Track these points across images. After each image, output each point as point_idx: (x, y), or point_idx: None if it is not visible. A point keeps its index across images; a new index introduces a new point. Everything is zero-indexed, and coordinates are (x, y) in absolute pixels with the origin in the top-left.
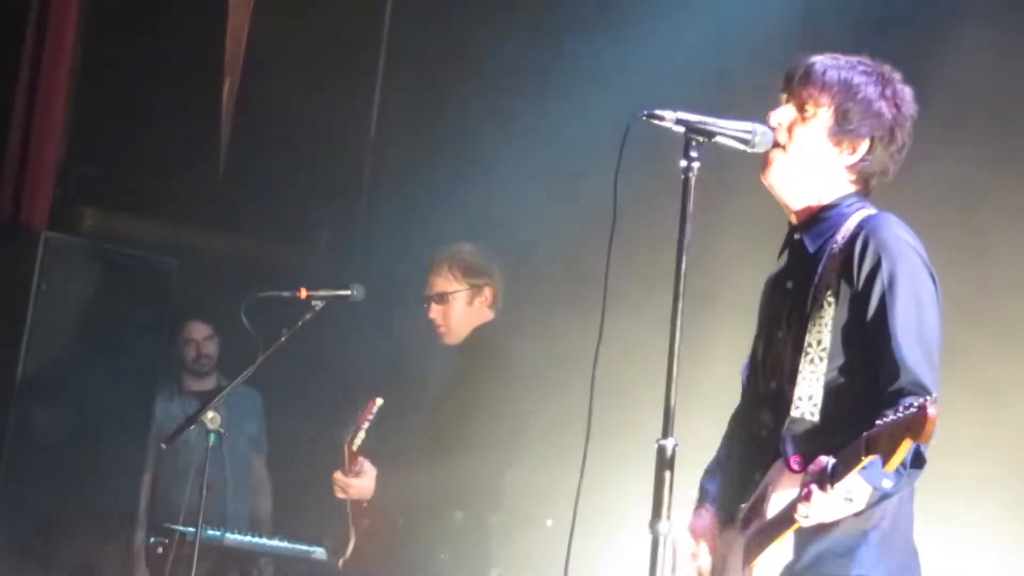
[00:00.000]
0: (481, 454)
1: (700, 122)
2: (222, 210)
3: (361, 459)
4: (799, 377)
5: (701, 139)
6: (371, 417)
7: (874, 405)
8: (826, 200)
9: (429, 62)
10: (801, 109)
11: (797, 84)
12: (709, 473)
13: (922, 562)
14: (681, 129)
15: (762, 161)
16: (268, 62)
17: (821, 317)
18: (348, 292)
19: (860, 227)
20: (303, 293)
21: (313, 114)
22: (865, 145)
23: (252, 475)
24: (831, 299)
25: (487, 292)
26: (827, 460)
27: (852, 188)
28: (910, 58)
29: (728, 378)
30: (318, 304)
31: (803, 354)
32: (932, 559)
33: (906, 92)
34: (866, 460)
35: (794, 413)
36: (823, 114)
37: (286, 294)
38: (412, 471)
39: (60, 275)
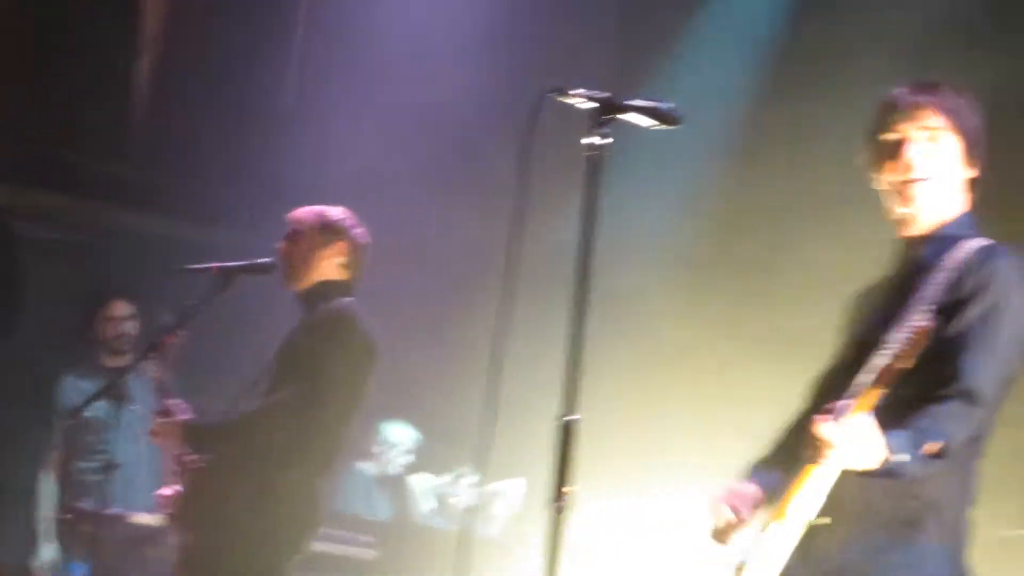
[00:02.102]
0: (314, 411)
1: (610, 98)
2: (139, 187)
3: (173, 400)
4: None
5: (609, 115)
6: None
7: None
8: (948, 217)
9: (347, 38)
10: (931, 138)
11: (918, 113)
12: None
13: None
14: (591, 105)
15: (903, 194)
16: (185, 40)
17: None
18: (259, 268)
19: (979, 253)
20: (215, 269)
21: (230, 91)
22: (980, 162)
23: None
24: (931, 309)
25: (340, 246)
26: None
27: (967, 203)
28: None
29: (639, 355)
30: (231, 279)
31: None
32: None
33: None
34: (866, 397)
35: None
36: (951, 138)
37: (199, 268)
38: (232, 423)
39: None
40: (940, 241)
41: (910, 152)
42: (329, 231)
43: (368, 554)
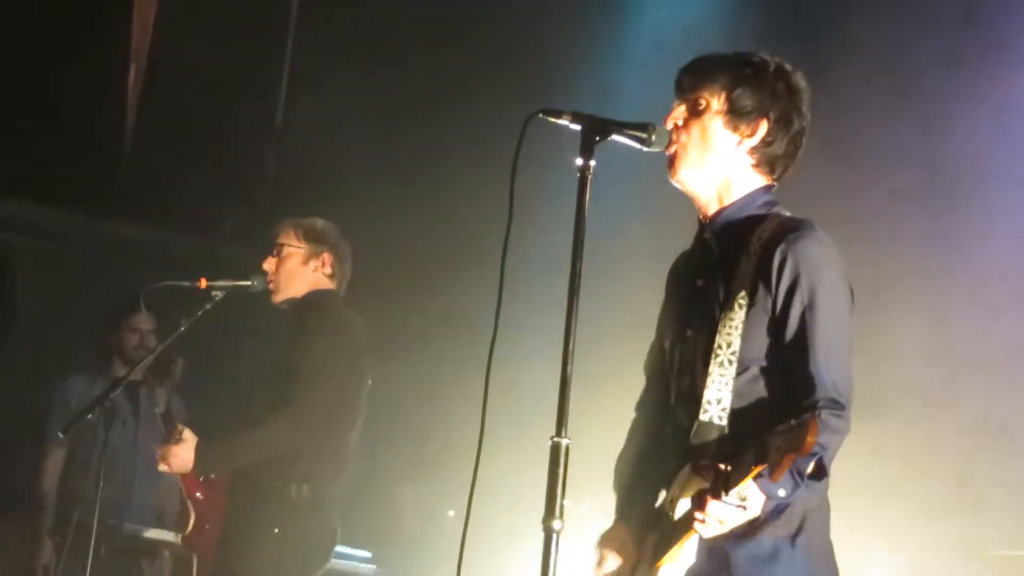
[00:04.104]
0: (320, 421)
1: (597, 120)
2: (127, 197)
3: (180, 426)
4: (708, 380)
5: (598, 137)
6: (177, 377)
7: (785, 415)
8: (736, 193)
9: (337, 52)
10: (694, 103)
11: (685, 82)
12: (621, 475)
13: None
14: (578, 127)
15: (667, 165)
16: (175, 50)
17: (731, 320)
18: (248, 283)
19: (780, 235)
20: (203, 283)
21: (219, 102)
22: (764, 125)
23: (165, 474)
24: (743, 302)
25: (325, 257)
26: (723, 468)
27: (760, 178)
28: None
29: (624, 376)
30: (218, 294)
31: (713, 356)
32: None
33: (797, 74)
34: (756, 471)
35: (703, 417)
36: (715, 102)
37: (186, 284)
38: (238, 439)
39: None
40: (729, 224)
41: (669, 119)
42: (314, 242)
43: (367, 569)
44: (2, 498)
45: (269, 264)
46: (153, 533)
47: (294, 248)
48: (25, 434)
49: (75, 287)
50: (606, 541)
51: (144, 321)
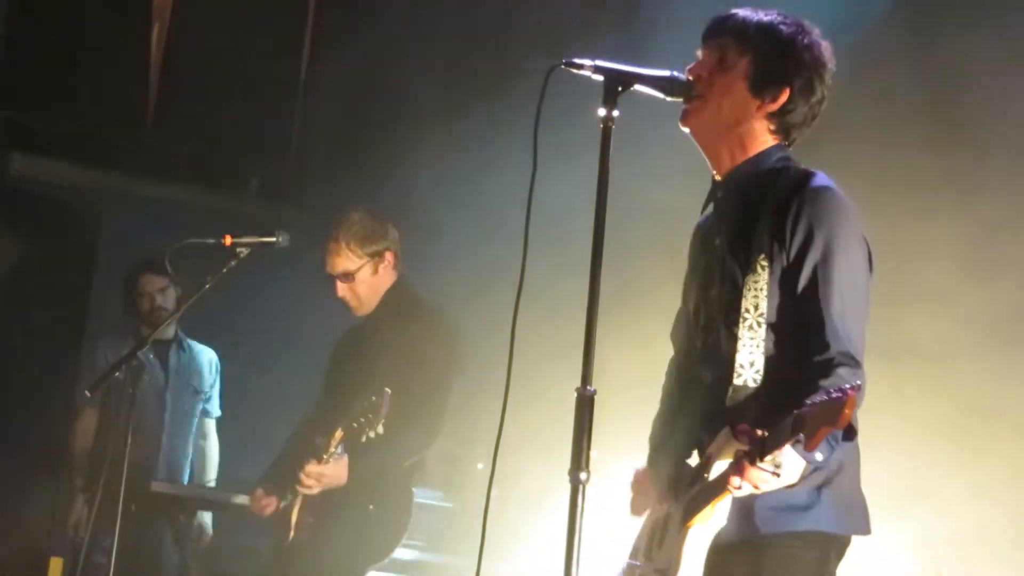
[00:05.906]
0: (439, 419)
1: (619, 70)
2: (151, 155)
3: (332, 449)
4: (739, 344)
5: (620, 87)
6: (385, 410)
7: (808, 371)
8: (749, 153)
9: (360, 9)
10: (720, 59)
11: (714, 35)
12: (657, 432)
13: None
14: (600, 77)
15: (681, 111)
16: (197, 7)
17: (756, 282)
18: (273, 239)
19: (794, 190)
20: (228, 240)
21: (243, 59)
22: (786, 94)
23: (201, 435)
24: (764, 263)
25: (388, 256)
26: (761, 434)
27: (773, 140)
28: None
29: (650, 325)
30: (243, 251)
31: (741, 319)
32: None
33: (824, 45)
34: (791, 440)
35: (737, 381)
36: (742, 63)
37: (211, 241)
38: (383, 452)
39: None
40: (743, 182)
41: (693, 69)
42: (372, 245)
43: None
44: (36, 458)
45: (344, 292)
46: (164, 487)
47: (361, 267)
48: (59, 395)
49: (103, 246)
50: (636, 484)
51: (150, 282)
